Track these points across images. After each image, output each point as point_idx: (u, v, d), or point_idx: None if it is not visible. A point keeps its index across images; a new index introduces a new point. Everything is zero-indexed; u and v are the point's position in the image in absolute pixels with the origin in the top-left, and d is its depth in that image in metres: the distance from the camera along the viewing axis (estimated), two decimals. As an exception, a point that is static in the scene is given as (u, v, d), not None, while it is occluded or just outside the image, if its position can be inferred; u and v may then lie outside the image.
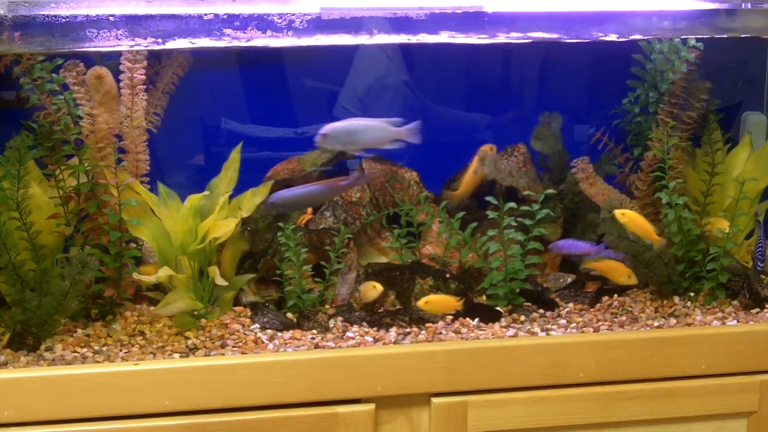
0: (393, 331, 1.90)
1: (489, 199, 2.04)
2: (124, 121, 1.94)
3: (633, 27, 1.93)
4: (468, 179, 2.20)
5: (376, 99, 2.39)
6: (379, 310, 2.01)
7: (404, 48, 2.37)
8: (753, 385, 1.85)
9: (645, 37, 2.11)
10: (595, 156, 2.30)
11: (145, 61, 1.93)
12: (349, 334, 1.89)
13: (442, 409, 1.76)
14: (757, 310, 2.00)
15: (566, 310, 2.03)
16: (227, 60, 2.30)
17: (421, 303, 1.93)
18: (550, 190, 2.06)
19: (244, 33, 1.74)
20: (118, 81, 1.93)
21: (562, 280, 2.18)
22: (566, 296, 2.09)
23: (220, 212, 1.94)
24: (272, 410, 1.71)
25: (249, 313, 1.99)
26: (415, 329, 1.91)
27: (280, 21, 1.74)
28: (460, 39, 1.82)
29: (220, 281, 1.89)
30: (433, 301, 1.94)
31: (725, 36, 1.95)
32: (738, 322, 1.94)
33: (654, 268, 2.04)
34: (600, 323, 1.94)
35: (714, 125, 2.20)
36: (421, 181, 2.20)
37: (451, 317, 1.96)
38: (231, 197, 2.01)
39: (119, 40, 1.70)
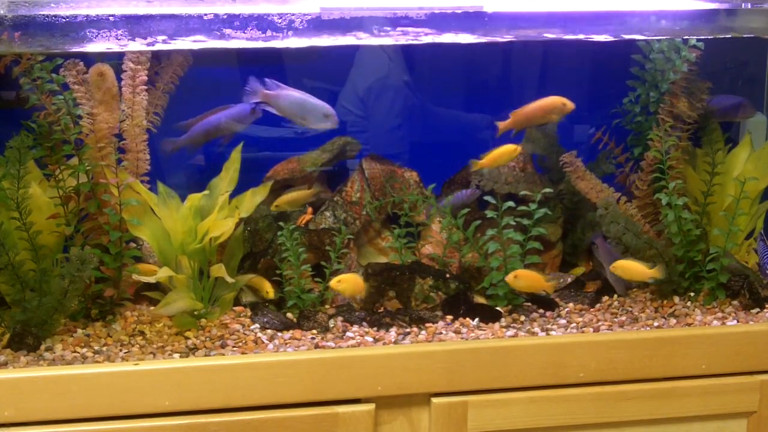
0: (393, 331, 1.90)
1: (488, 198, 2.04)
2: (126, 120, 1.94)
3: (633, 27, 1.93)
4: (496, 155, 2.11)
5: (377, 98, 2.39)
6: (380, 311, 2.01)
7: (404, 48, 2.37)
8: (753, 385, 1.85)
9: (645, 38, 2.11)
10: (595, 155, 2.30)
11: (149, 63, 1.93)
12: (349, 334, 1.89)
13: (442, 409, 1.76)
14: (757, 310, 2.00)
15: (566, 310, 2.03)
16: (227, 60, 2.29)
17: (333, 283, 1.94)
18: (547, 189, 2.06)
19: (244, 33, 1.74)
20: (119, 80, 1.93)
21: (562, 280, 2.18)
22: (566, 296, 2.09)
23: (220, 212, 1.94)
24: (272, 410, 1.71)
25: (249, 313, 1.99)
26: (415, 329, 1.91)
27: (280, 21, 1.74)
28: (461, 39, 1.83)
29: (229, 279, 1.89)
30: (345, 280, 1.93)
31: (725, 36, 1.95)
32: (738, 322, 1.94)
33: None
34: (600, 323, 1.94)
35: (714, 125, 2.20)
36: (421, 181, 2.20)
37: (451, 317, 1.96)
38: (231, 197, 2.01)
39: (119, 40, 1.70)
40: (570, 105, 2.09)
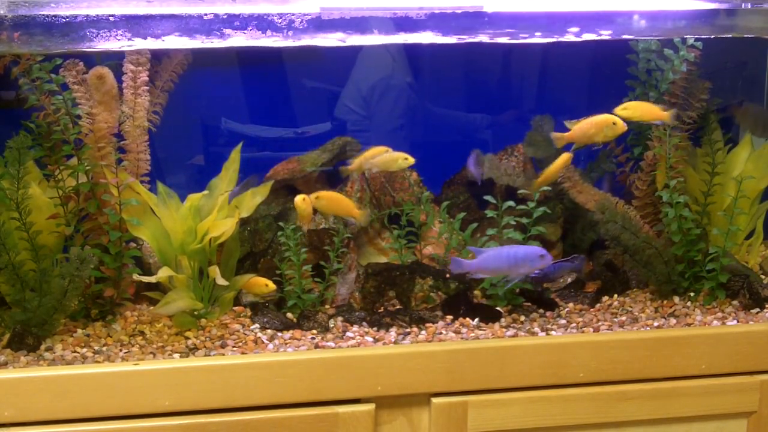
0: (393, 331, 1.90)
1: (488, 198, 2.04)
2: (126, 121, 1.94)
3: (633, 27, 1.93)
4: (551, 172, 2.06)
5: (380, 98, 2.39)
6: (379, 310, 2.01)
7: (406, 47, 2.37)
8: (753, 385, 1.85)
9: (645, 37, 2.12)
10: (595, 155, 2.30)
11: (149, 63, 1.93)
12: (349, 334, 1.89)
13: (442, 409, 1.76)
14: (757, 310, 2.00)
15: (566, 310, 2.03)
16: (227, 60, 2.30)
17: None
18: (546, 188, 2.06)
19: (244, 33, 1.74)
20: (119, 81, 1.93)
21: (562, 280, 2.18)
22: (566, 296, 2.09)
23: (220, 212, 1.94)
24: (272, 410, 1.71)
25: (249, 313, 1.99)
26: (415, 329, 1.91)
27: (280, 21, 1.75)
28: (460, 39, 1.83)
29: (221, 281, 1.89)
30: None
31: (725, 36, 1.95)
32: (738, 322, 1.94)
33: (653, 267, 2.04)
34: (600, 323, 1.94)
35: (714, 125, 2.20)
36: (421, 181, 2.20)
37: (451, 317, 1.96)
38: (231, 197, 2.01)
39: (119, 40, 1.70)
40: (621, 126, 2.00)
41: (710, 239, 2.10)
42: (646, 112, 2.01)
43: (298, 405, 1.72)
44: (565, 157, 2.06)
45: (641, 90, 2.23)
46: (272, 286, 1.96)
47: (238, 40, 1.74)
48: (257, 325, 1.92)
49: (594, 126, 2.00)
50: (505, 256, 1.87)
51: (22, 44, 1.68)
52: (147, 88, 1.94)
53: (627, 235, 2.01)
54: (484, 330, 1.90)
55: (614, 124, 1.99)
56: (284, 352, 1.79)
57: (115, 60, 1.95)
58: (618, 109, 1.99)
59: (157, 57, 2.04)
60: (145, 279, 1.90)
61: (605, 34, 1.90)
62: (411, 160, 2.05)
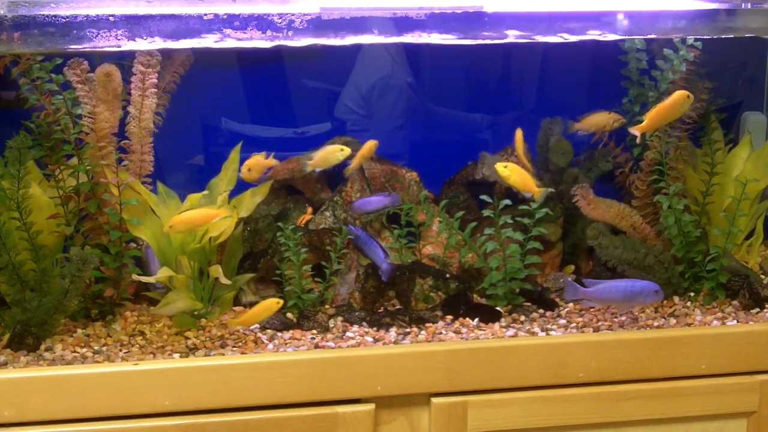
0: (393, 331, 1.90)
1: (484, 197, 2.04)
2: (132, 122, 1.94)
3: (633, 27, 1.93)
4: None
5: (380, 97, 2.39)
6: (379, 310, 2.01)
7: (406, 47, 2.37)
8: (753, 385, 1.85)
9: (644, 37, 2.12)
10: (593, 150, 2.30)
11: (159, 65, 1.92)
12: (349, 334, 1.89)
13: (442, 409, 1.76)
14: (757, 310, 2.00)
15: (566, 310, 2.03)
16: (227, 60, 2.30)
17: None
18: (549, 189, 2.06)
19: (244, 33, 1.74)
20: (122, 80, 1.93)
21: (562, 280, 2.18)
22: (566, 296, 2.09)
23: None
24: (272, 410, 1.71)
25: (249, 313, 1.99)
26: (415, 329, 1.91)
27: (280, 21, 1.75)
28: (461, 39, 1.83)
29: (224, 280, 1.89)
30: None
31: (725, 36, 1.95)
32: (738, 322, 1.94)
33: (653, 271, 2.04)
34: (600, 323, 1.94)
35: (714, 125, 2.20)
36: (421, 181, 2.20)
37: (451, 317, 1.96)
38: (231, 197, 2.01)
39: (119, 40, 1.70)
40: (691, 96, 1.99)
41: (710, 240, 2.10)
42: (519, 180, 2.03)
43: (298, 405, 1.72)
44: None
45: (637, 90, 2.23)
46: (280, 302, 1.88)
47: (237, 40, 1.74)
48: (257, 325, 1.92)
49: (670, 107, 1.98)
50: (621, 289, 1.92)
51: (22, 44, 1.68)
52: (155, 90, 1.94)
53: (628, 253, 2.02)
54: (484, 330, 1.90)
55: (688, 97, 1.97)
56: (284, 352, 1.79)
57: (115, 60, 1.95)
58: (498, 165, 2.02)
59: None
60: (145, 279, 1.90)
61: (604, 35, 1.90)
62: (347, 151, 2.06)
